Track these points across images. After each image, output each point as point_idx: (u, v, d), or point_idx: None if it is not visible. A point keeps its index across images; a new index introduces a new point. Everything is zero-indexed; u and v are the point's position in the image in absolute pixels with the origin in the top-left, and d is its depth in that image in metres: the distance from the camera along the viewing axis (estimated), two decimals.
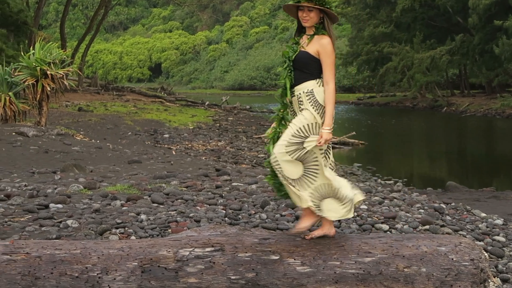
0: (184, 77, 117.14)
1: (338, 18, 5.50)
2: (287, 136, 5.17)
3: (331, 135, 5.15)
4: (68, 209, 8.09)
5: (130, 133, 24.88)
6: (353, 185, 5.42)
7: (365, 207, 8.90)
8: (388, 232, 7.74)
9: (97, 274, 4.69)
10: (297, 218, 8.08)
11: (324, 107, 5.19)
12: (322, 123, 5.16)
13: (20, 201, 8.43)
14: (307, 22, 5.34)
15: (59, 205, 8.22)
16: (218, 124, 33.03)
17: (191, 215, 7.79)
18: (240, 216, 7.96)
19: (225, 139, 25.61)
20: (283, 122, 5.33)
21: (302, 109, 5.23)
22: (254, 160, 19.46)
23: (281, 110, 5.35)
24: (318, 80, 5.28)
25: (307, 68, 5.30)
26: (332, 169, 5.33)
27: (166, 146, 22.25)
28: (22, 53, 21.67)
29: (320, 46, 5.27)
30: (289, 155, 5.13)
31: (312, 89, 5.23)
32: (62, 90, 21.05)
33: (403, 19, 60.57)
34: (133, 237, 6.78)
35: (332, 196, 5.22)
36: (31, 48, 21.94)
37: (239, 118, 38.69)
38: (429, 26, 60.74)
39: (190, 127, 29.94)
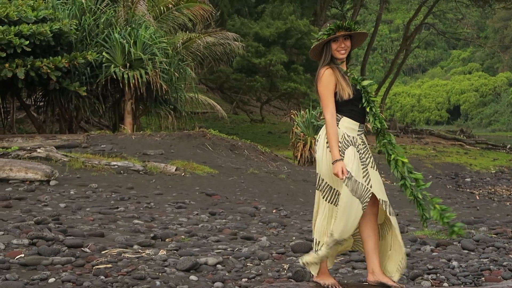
0: (483, 119, 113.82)
1: (367, 34, 5.38)
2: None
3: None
4: None
5: (430, 176, 24.68)
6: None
7: None
8: None
9: None
10: None
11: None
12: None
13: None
14: (346, 52, 5.10)
15: None
16: None
17: (504, 263, 7.51)
18: None
19: None
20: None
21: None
22: None
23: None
24: None
25: None
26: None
27: (468, 190, 21.76)
28: None
29: None
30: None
31: None
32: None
33: None
34: (445, 284, 6.70)
35: None
36: None
37: None
38: None
39: (492, 171, 29.01)
